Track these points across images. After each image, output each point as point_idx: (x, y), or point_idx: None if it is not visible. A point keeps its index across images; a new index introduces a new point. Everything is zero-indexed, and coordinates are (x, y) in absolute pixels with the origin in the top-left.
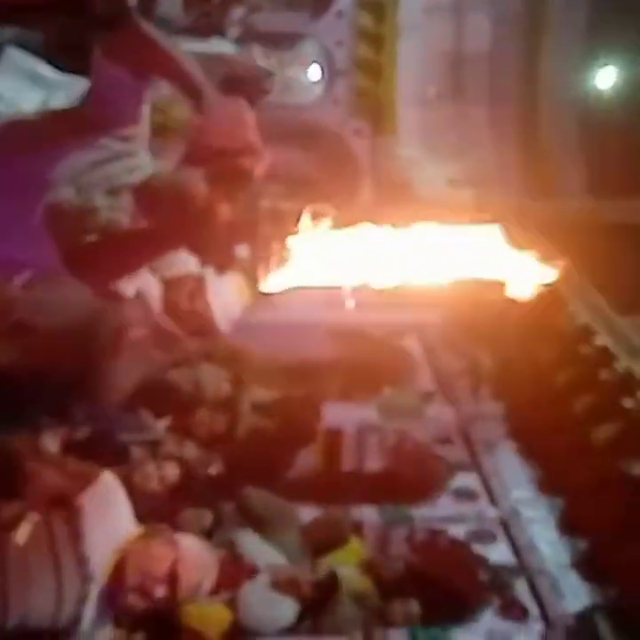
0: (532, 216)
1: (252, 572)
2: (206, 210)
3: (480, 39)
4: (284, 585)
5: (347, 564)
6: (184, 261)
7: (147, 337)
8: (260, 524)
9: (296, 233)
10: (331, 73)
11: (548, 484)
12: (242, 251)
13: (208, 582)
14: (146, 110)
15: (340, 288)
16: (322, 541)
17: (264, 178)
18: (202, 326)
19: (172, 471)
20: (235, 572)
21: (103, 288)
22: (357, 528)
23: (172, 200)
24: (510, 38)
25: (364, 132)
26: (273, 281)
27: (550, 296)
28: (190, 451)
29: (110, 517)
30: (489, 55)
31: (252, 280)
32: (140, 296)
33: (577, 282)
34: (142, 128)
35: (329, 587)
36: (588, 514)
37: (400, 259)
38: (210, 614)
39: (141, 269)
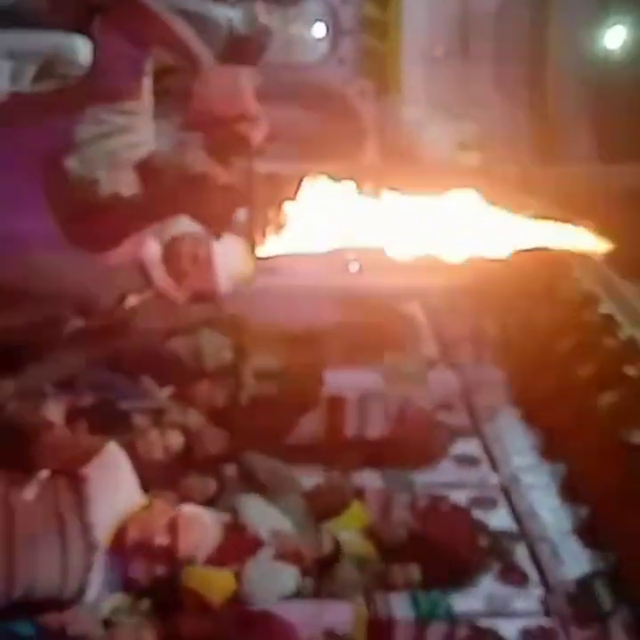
0: (540, 180)
1: (256, 545)
2: (203, 175)
3: None
4: (287, 557)
5: (349, 528)
6: (186, 223)
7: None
8: (262, 490)
9: (294, 198)
10: (336, 31)
11: (550, 450)
12: (240, 215)
13: (210, 545)
14: (147, 84)
15: (341, 253)
16: (324, 507)
17: (266, 138)
18: (204, 286)
19: (176, 439)
20: (239, 545)
21: (100, 254)
22: (359, 494)
23: (175, 179)
24: None
25: (368, 91)
26: (269, 246)
27: (555, 262)
28: (194, 419)
29: (115, 488)
30: (496, 14)
31: (249, 245)
32: (139, 263)
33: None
34: (144, 103)
35: (332, 558)
36: (590, 481)
37: (402, 224)
38: (214, 578)
39: (138, 236)
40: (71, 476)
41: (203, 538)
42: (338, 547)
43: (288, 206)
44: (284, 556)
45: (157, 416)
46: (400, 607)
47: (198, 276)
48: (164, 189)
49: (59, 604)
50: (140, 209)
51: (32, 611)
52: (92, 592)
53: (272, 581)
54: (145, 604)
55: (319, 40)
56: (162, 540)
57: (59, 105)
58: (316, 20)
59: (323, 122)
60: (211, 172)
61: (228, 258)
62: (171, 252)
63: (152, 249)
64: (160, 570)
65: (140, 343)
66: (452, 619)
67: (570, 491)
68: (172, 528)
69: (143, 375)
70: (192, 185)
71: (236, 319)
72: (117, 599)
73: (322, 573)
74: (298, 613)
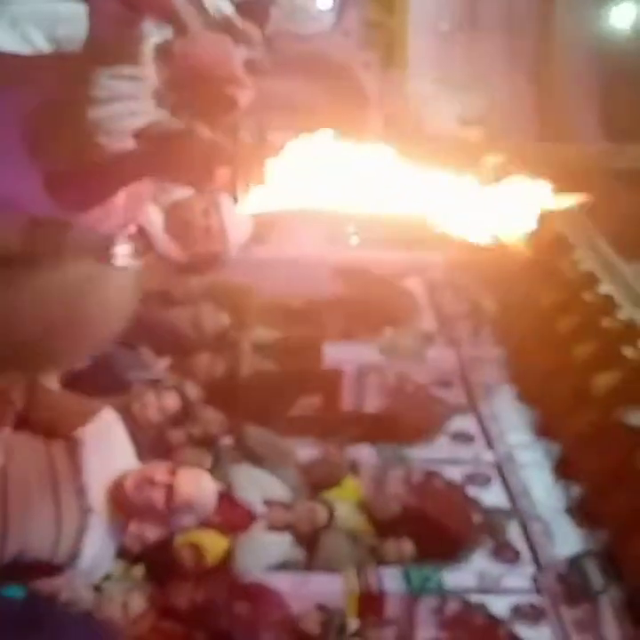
0: (544, 158)
1: (249, 518)
2: (186, 130)
3: None
4: (280, 527)
5: (344, 501)
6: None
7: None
8: (258, 461)
9: (278, 155)
10: (342, 3)
11: (546, 429)
12: (223, 171)
13: (206, 508)
14: (147, 50)
15: (342, 226)
16: (319, 480)
17: (265, 106)
18: (214, 246)
19: (172, 401)
20: (232, 517)
21: (86, 214)
22: (354, 468)
23: (159, 135)
24: None
25: (373, 64)
26: (251, 202)
27: (556, 241)
28: (191, 389)
29: (110, 452)
30: None
31: (232, 200)
32: (140, 231)
33: (585, 227)
34: (144, 69)
35: (325, 529)
36: (584, 460)
37: (397, 191)
38: (207, 537)
39: (133, 199)
40: (66, 440)
41: (200, 494)
42: (332, 517)
43: (271, 163)
44: (277, 526)
45: (154, 384)
46: (391, 581)
47: (210, 235)
48: (149, 145)
49: (51, 568)
50: (125, 166)
51: (24, 575)
52: (86, 558)
53: (264, 552)
54: (138, 570)
55: (325, 11)
56: (162, 478)
57: (56, 68)
58: None
59: (326, 94)
60: (194, 128)
61: (237, 214)
62: (178, 215)
63: (152, 214)
64: (154, 530)
65: (138, 311)
66: (443, 594)
67: (564, 470)
68: (172, 471)
69: (142, 346)
70: (175, 140)
71: (235, 291)
72: (111, 565)
73: (314, 545)
74: (289, 585)
